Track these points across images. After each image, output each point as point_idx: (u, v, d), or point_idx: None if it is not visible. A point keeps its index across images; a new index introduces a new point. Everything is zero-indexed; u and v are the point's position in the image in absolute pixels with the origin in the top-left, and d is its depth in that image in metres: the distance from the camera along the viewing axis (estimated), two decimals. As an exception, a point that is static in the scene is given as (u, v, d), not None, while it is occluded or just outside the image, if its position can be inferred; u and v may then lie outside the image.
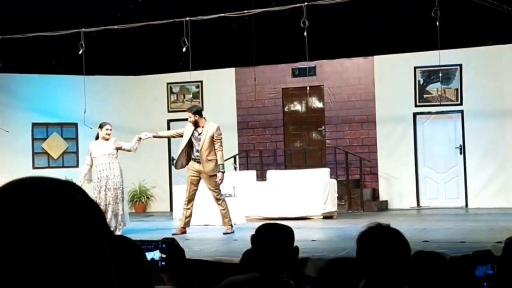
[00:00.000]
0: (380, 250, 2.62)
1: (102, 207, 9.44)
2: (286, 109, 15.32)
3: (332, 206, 12.37)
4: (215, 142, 9.86)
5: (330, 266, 6.51)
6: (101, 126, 10.27)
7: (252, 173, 13.61)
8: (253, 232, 3.18)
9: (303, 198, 12.09)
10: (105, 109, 15.51)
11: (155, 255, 2.45)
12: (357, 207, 13.66)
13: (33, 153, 15.29)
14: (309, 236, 8.75)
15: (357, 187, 13.99)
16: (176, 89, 15.84)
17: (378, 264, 2.61)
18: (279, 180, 12.84)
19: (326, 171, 13.03)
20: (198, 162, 9.89)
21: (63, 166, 15.39)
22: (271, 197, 12.23)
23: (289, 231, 3.09)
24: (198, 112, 10.13)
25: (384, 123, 14.43)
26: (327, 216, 12.11)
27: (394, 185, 14.39)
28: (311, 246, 7.52)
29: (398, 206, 14.12)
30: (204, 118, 10.12)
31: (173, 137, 10.95)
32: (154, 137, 10.54)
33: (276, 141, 15.28)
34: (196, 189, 10.01)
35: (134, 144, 10.14)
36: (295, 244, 3.14)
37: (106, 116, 15.52)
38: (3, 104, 14.78)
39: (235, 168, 14.20)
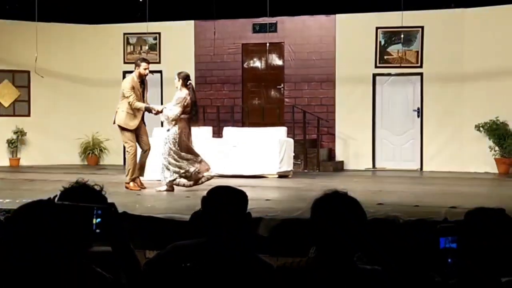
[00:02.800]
0: (335, 218, 2.50)
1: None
2: (245, 65, 15.08)
3: (288, 165, 12.28)
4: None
5: (282, 227, 6.41)
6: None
7: (209, 129, 13.41)
8: (205, 192, 3.03)
9: (259, 156, 11.97)
10: (58, 58, 15.09)
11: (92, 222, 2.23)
12: (313, 167, 13.61)
13: (-17, 101, 14.82)
14: (263, 196, 8.64)
15: (314, 146, 13.93)
16: (132, 40, 15.43)
17: (332, 232, 2.52)
18: (235, 137, 12.69)
19: (283, 129, 12.91)
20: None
21: (14, 115, 15.00)
22: (227, 154, 12.07)
23: (242, 196, 2.94)
24: None
25: (343, 83, 14.32)
26: (282, 175, 12.03)
27: (351, 146, 14.37)
28: (265, 206, 7.41)
29: (354, 167, 14.12)
30: None
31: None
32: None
33: (234, 98, 15.07)
34: None
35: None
36: (250, 204, 3.01)
37: (59, 65, 15.15)
38: (-49, 49, 14.23)
39: (191, 124, 13.94)
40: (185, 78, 9.45)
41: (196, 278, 2.74)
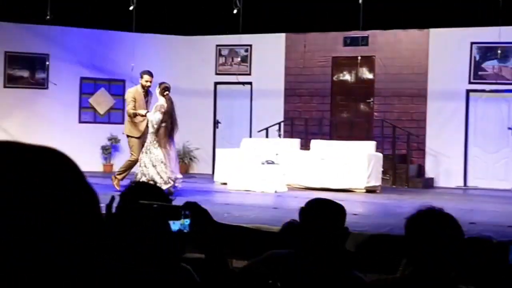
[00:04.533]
0: (431, 235, 2.46)
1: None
2: (335, 78, 15.03)
3: (376, 180, 12.14)
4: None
5: (370, 242, 6.34)
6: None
7: (296, 141, 13.46)
8: (302, 204, 2.99)
9: (347, 170, 11.89)
10: (152, 68, 15.31)
11: (180, 223, 2.19)
12: (402, 183, 13.39)
13: (80, 108, 15.37)
14: (351, 210, 8.52)
15: (403, 162, 13.71)
16: (225, 51, 15.67)
17: (429, 250, 2.47)
18: (323, 150, 12.66)
19: (372, 144, 12.79)
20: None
21: (109, 122, 15.46)
22: (314, 167, 12.06)
23: (341, 210, 2.91)
24: None
25: (435, 99, 14.05)
26: (370, 190, 11.90)
27: (441, 163, 14.06)
28: (352, 220, 7.31)
29: (444, 185, 13.81)
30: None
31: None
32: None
33: (322, 110, 15.05)
34: None
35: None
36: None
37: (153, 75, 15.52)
38: (53, 57, 14.84)
39: (279, 135, 14.03)
40: (163, 89, 9.97)
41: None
